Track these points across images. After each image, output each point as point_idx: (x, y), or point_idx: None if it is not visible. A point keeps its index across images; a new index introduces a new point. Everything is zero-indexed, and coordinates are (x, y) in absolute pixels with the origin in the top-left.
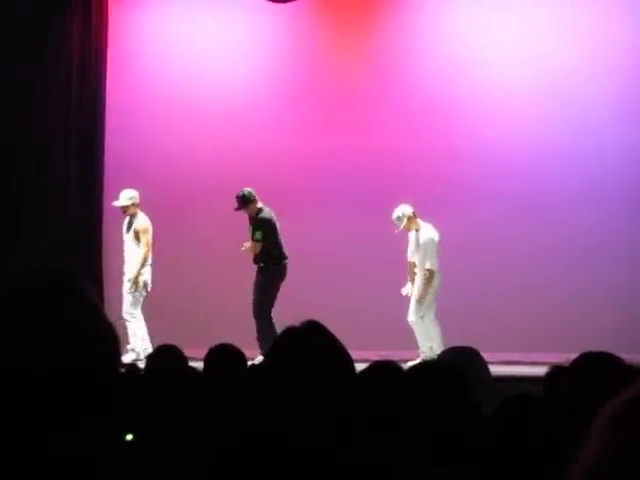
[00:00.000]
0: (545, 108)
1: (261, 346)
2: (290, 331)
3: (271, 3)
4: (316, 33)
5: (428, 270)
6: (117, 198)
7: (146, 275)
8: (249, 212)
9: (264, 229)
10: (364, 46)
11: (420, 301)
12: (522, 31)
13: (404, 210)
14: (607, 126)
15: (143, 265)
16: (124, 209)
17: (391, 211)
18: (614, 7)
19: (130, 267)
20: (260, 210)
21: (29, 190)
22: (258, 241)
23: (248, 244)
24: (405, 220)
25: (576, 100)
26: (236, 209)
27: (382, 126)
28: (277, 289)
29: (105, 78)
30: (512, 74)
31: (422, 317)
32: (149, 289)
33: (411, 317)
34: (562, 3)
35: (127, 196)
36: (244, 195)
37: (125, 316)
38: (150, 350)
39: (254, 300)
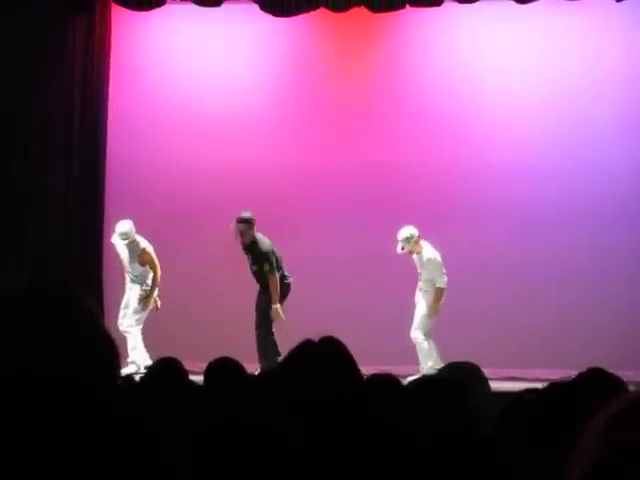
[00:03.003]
0: (545, 124)
1: (261, 360)
2: (308, 344)
3: (273, 16)
4: (318, 46)
5: (439, 289)
6: (113, 231)
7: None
8: (245, 237)
9: (269, 260)
10: (366, 60)
11: (429, 318)
12: (526, 46)
13: (412, 232)
14: (608, 141)
15: (155, 285)
16: (122, 237)
17: (393, 227)
18: (617, 20)
19: (138, 285)
20: (256, 240)
21: (31, 198)
22: (269, 272)
23: (279, 311)
24: (412, 242)
25: (577, 116)
26: (238, 228)
27: (385, 141)
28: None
29: (107, 87)
30: (516, 89)
31: (426, 334)
32: (159, 306)
33: (415, 333)
34: (564, 17)
35: (123, 232)
36: (247, 218)
37: (126, 329)
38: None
39: (258, 318)
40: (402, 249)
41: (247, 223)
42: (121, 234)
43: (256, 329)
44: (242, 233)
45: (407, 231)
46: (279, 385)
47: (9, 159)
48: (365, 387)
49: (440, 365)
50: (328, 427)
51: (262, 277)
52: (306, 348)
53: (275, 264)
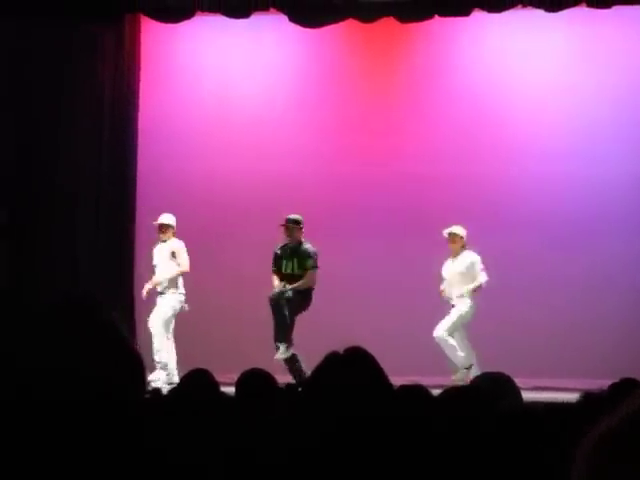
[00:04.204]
0: (576, 133)
1: (277, 334)
2: (333, 356)
3: (301, 27)
4: (346, 57)
5: (480, 285)
6: (155, 219)
7: (182, 297)
8: (291, 235)
9: (315, 259)
10: (395, 71)
11: (459, 321)
12: (555, 55)
13: (463, 231)
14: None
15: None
16: (163, 229)
17: (425, 237)
18: None
19: (161, 280)
20: (303, 241)
21: (64, 208)
22: (312, 268)
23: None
24: (459, 240)
25: (609, 125)
26: (283, 225)
27: (412, 152)
28: (300, 313)
29: (137, 99)
30: (546, 99)
31: (450, 335)
32: (187, 309)
33: (439, 332)
34: (594, 26)
35: (168, 218)
36: (297, 219)
37: (150, 330)
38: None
39: (285, 316)
40: (448, 235)
41: (296, 224)
42: (164, 225)
43: (278, 340)
44: (291, 233)
45: (458, 228)
46: (309, 399)
47: (42, 171)
48: (396, 397)
49: (474, 360)
50: (361, 439)
51: (299, 279)
52: (333, 360)
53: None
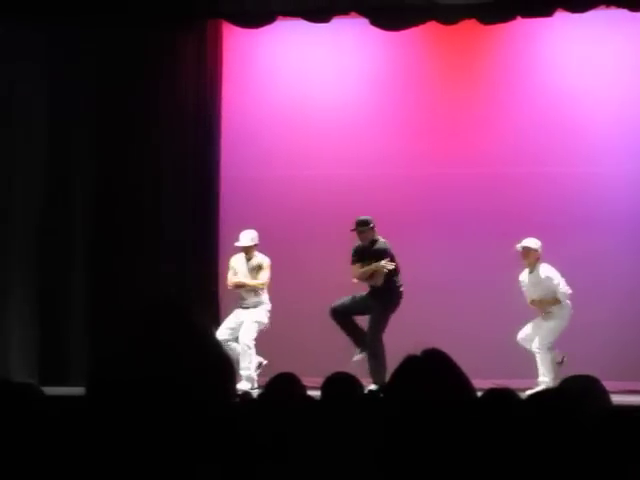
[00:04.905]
0: None
1: (373, 373)
2: (412, 359)
3: (381, 30)
4: (428, 60)
5: (563, 294)
6: (237, 239)
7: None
8: (363, 237)
9: (390, 254)
10: (477, 73)
11: (554, 331)
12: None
13: (536, 244)
14: None
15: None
16: (246, 250)
17: (510, 240)
18: None
19: (255, 301)
20: (376, 239)
21: (146, 222)
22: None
23: (383, 263)
24: (533, 253)
25: None
26: (352, 230)
27: (493, 153)
28: (390, 316)
29: (220, 105)
30: (629, 99)
31: (549, 347)
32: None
33: (537, 345)
34: None
35: (249, 237)
36: (366, 220)
37: (242, 345)
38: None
39: (371, 327)
40: (521, 249)
41: (366, 225)
42: (250, 239)
43: (369, 345)
44: (361, 234)
45: (533, 241)
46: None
47: (123, 176)
48: (480, 400)
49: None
50: (446, 443)
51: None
52: (412, 363)
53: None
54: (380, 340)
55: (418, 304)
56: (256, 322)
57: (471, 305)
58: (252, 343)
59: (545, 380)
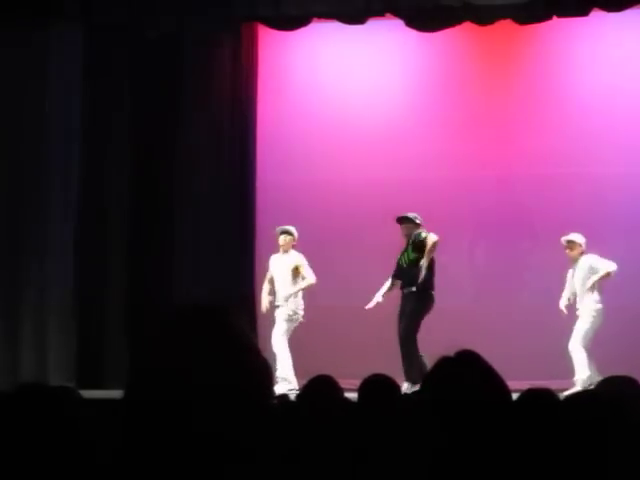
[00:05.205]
0: None
1: (407, 372)
2: (446, 361)
3: (417, 32)
4: (463, 61)
5: (607, 273)
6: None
7: (301, 306)
8: (407, 230)
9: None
10: (513, 73)
11: (588, 332)
12: None
13: (581, 239)
14: None
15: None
16: (283, 243)
17: (550, 240)
18: None
19: (286, 296)
20: (420, 233)
21: (185, 226)
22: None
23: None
24: (577, 247)
25: None
26: (397, 220)
27: (529, 153)
28: (424, 317)
29: (256, 108)
30: None
31: (585, 347)
32: (302, 319)
33: (573, 345)
34: None
35: (289, 228)
36: (407, 217)
37: (274, 345)
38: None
39: (404, 326)
40: (566, 243)
41: (409, 221)
42: (285, 232)
43: (401, 343)
44: (405, 230)
45: (578, 236)
46: (425, 405)
47: (160, 179)
48: (519, 400)
49: (597, 379)
50: (482, 445)
51: (417, 269)
52: (446, 365)
53: (431, 266)
54: (414, 342)
55: (453, 305)
56: (285, 323)
57: (508, 306)
58: (283, 344)
59: (581, 378)
